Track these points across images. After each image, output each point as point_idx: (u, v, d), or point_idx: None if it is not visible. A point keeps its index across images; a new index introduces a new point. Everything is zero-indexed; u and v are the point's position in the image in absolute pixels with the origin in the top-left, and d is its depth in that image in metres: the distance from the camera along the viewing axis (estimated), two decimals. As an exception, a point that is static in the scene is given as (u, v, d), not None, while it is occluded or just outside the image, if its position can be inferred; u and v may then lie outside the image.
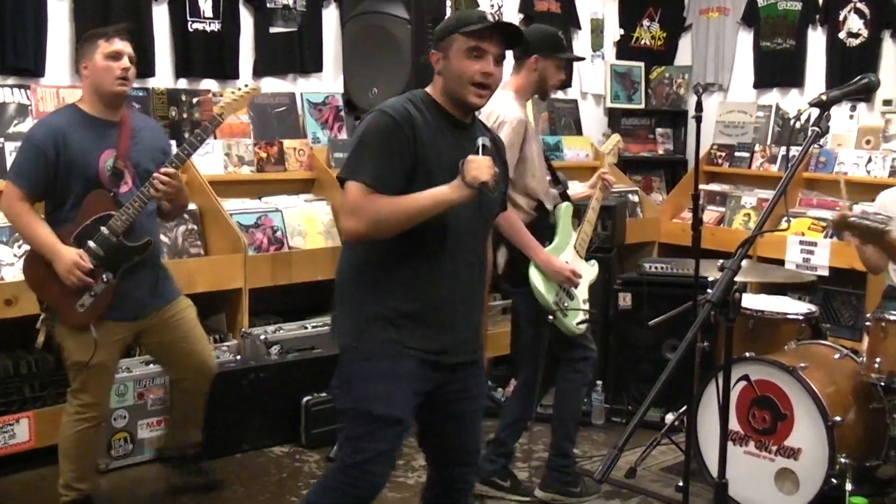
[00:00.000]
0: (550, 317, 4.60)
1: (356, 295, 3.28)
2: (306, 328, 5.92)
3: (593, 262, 4.97)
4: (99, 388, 4.41)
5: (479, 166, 3.07)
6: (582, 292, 4.75)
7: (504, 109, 4.55)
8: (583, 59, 5.46)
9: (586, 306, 4.76)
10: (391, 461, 3.34)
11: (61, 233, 4.19)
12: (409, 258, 3.19)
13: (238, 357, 5.60)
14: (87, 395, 4.38)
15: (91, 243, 4.18)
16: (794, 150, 3.25)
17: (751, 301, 5.23)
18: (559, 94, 8.06)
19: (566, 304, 4.64)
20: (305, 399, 5.54)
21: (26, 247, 5.01)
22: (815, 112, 3.05)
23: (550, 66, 4.74)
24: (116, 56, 4.23)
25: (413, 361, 3.22)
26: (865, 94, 3.11)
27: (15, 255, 5.10)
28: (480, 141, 3.18)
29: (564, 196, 4.91)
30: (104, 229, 4.19)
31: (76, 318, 4.25)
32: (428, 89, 3.30)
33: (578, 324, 4.70)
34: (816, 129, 3.02)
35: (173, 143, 5.09)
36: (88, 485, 4.51)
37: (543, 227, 4.68)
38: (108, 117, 4.30)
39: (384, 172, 3.07)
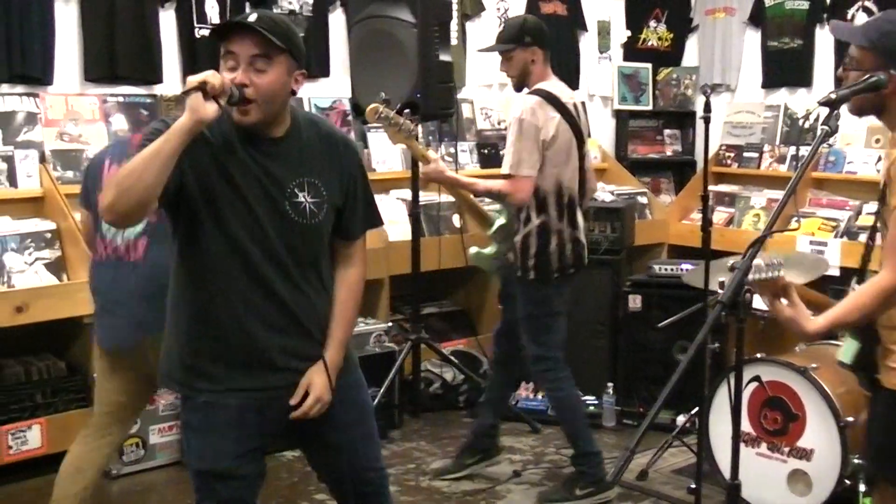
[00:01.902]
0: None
1: (169, 335, 3.06)
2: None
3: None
4: None
5: (198, 74, 2.73)
6: None
7: None
8: None
9: None
10: None
11: None
12: (204, 292, 2.93)
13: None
14: None
15: None
16: (804, 150, 3.26)
17: (761, 301, 5.21)
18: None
19: None
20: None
21: (37, 254, 5.07)
22: (824, 111, 3.04)
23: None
24: None
25: (232, 408, 2.95)
26: (874, 92, 3.09)
27: (26, 263, 5.12)
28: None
29: None
30: None
31: None
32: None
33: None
34: (826, 128, 3.01)
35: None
36: None
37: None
38: None
39: None
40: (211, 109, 2.69)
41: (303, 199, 2.96)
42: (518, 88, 4.97)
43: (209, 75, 2.70)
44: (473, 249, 5.18)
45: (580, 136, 4.89)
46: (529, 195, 4.72)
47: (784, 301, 3.01)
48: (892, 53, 3.03)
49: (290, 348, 3.00)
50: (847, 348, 3.31)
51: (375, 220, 3.24)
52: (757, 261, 2.83)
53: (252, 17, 2.83)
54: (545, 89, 4.82)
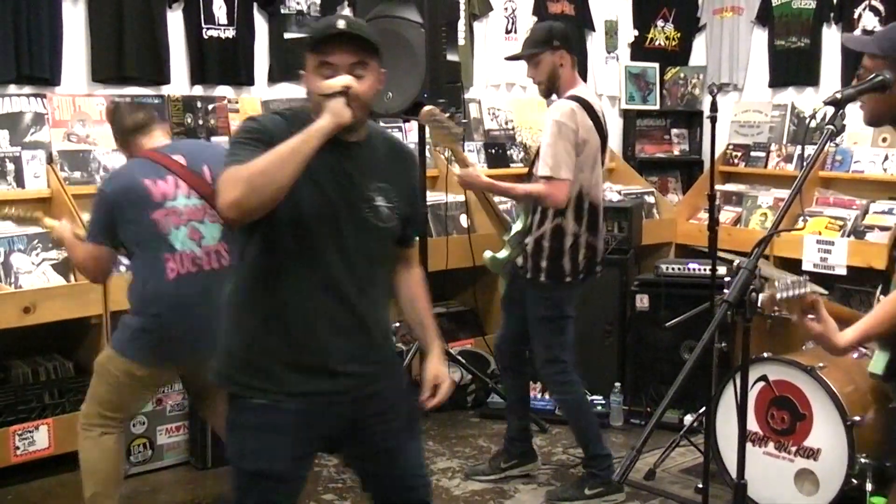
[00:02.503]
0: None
1: (228, 334, 3.05)
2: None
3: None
4: None
5: (337, 78, 2.80)
6: None
7: None
8: None
9: None
10: None
11: None
12: (276, 293, 2.93)
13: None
14: None
15: None
16: (810, 149, 3.28)
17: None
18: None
19: None
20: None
21: (44, 255, 5.07)
22: (830, 110, 3.04)
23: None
24: None
25: (291, 410, 2.94)
26: (880, 91, 3.09)
27: (33, 263, 5.13)
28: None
29: None
30: None
31: None
32: (309, 104, 2.93)
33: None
34: (831, 127, 3.01)
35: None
36: None
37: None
38: None
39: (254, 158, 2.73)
40: (347, 114, 2.77)
41: (380, 203, 2.99)
42: (546, 94, 4.96)
43: (350, 81, 2.79)
44: (488, 254, 5.19)
45: (605, 144, 4.92)
46: (567, 198, 4.72)
47: (812, 317, 2.97)
48: None
49: (355, 353, 3.01)
50: (878, 359, 3.29)
51: (423, 226, 3.29)
52: (783, 279, 2.83)
53: (342, 24, 2.86)
54: (581, 96, 4.84)
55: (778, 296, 2.84)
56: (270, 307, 2.94)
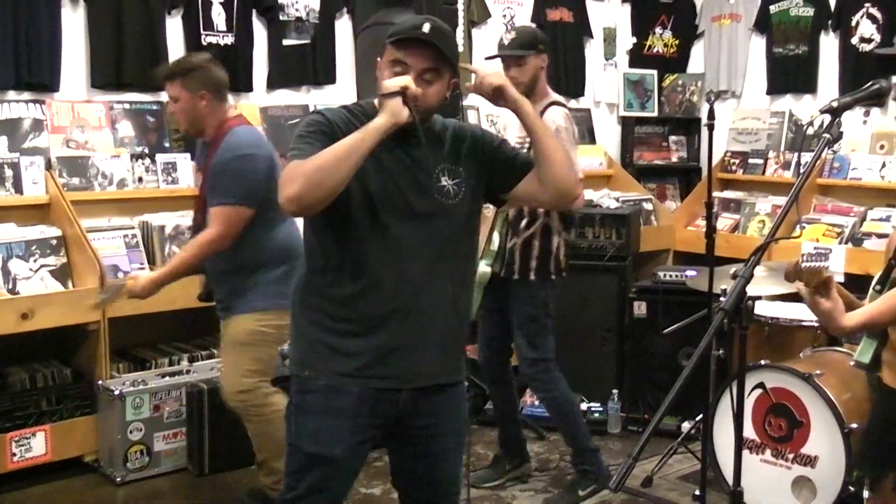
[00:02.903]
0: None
1: (298, 318, 3.14)
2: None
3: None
4: None
5: (396, 78, 2.88)
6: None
7: None
8: None
9: None
10: (331, 499, 3.15)
11: None
12: (348, 277, 2.99)
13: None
14: None
15: None
16: (808, 157, 3.29)
17: (766, 308, 5.22)
18: (572, 103, 8.05)
19: None
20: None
21: (42, 261, 5.07)
22: (827, 118, 3.05)
23: None
24: None
25: (355, 394, 3.01)
26: (877, 99, 3.10)
27: (31, 270, 5.13)
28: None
29: None
30: None
31: None
32: (375, 101, 3.00)
33: None
34: (828, 135, 3.02)
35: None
36: None
37: None
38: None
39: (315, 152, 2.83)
40: (404, 114, 2.83)
41: (445, 183, 3.04)
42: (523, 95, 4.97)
43: (409, 82, 2.85)
44: (486, 270, 5.14)
45: None
46: None
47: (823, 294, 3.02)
48: None
49: (419, 341, 3.05)
50: (865, 348, 3.32)
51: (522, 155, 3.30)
52: (808, 251, 2.87)
53: (426, 28, 2.91)
54: (565, 104, 4.95)
55: (803, 264, 2.87)
56: (339, 292, 3.02)
